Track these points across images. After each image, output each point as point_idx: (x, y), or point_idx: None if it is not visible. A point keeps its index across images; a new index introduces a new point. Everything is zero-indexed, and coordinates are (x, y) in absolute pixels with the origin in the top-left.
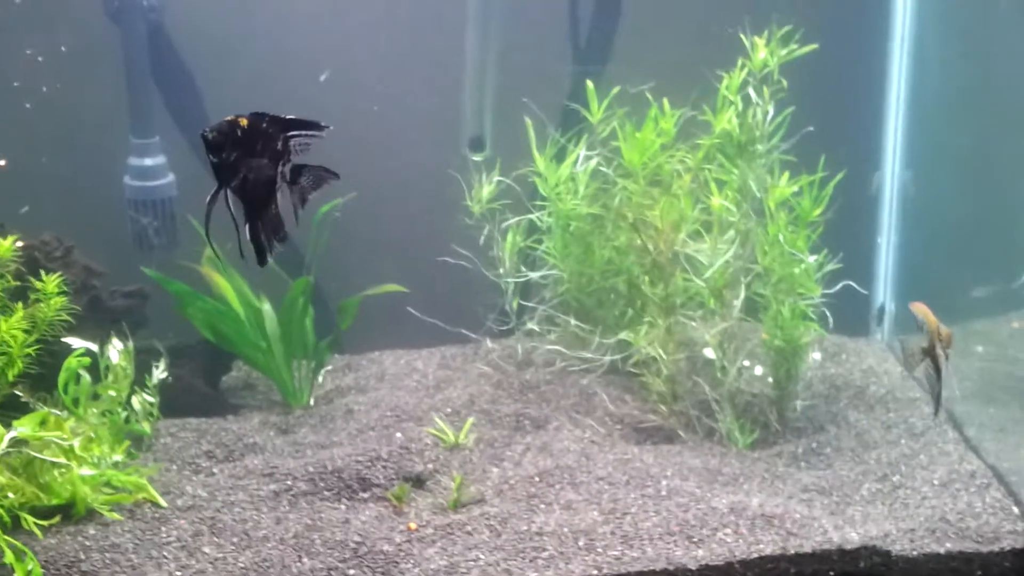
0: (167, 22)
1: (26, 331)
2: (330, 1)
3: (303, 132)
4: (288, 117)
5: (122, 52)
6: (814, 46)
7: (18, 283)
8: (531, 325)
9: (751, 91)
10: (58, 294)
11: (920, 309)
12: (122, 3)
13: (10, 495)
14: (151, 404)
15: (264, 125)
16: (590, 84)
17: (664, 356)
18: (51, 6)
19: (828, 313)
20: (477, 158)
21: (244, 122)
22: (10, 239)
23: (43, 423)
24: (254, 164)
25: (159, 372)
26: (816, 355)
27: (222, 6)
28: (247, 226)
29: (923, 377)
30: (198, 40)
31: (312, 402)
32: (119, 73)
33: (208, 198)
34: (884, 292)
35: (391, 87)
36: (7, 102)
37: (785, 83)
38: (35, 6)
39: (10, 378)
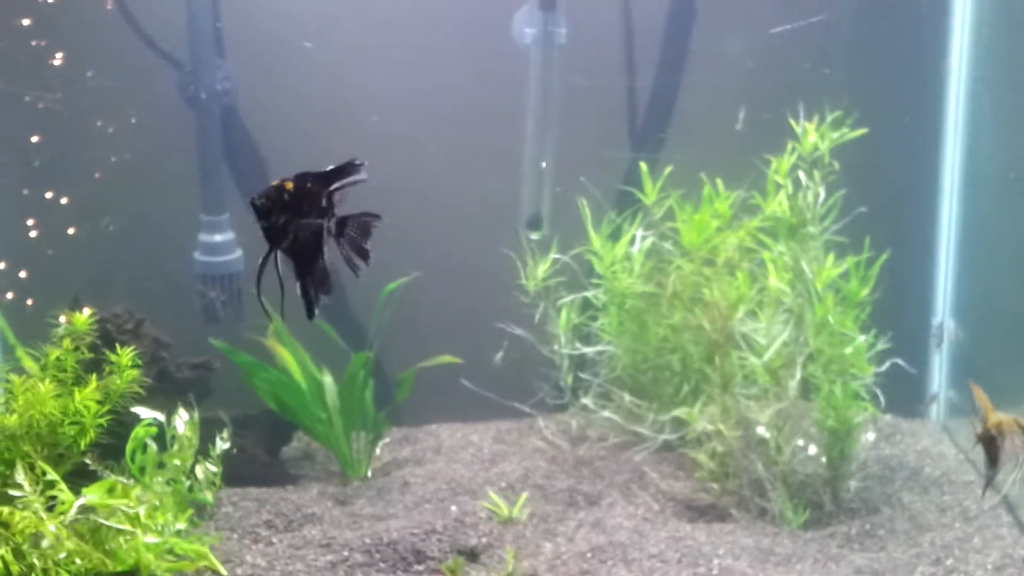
0: (239, 104)
1: (99, 402)
2: (396, 87)
3: (343, 183)
4: (327, 170)
5: (196, 133)
6: (864, 130)
7: (92, 355)
8: (585, 401)
9: (801, 174)
10: (131, 367)
11: (977, 393)
12: (197, 87)
13: (77, 561)
14: (214, 473)
15: (308, 184)
16: (643, 166)
17: (721, 433)
18: (126, 81)
19: (881, 394)
20: (535, 236)
21: (289, 185)
22: (88, 312)
23: (111, 491)
24: (301, 224)
25: (223, 442)
26: (870, 435)
27: (292, 90)
28: (298, 284)
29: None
30: (269, 121)
31: (370, 474)
32: (191, 152)
33: (260, 261)
34: (939, 373)
35: (453, 167)
36: (81, 173)
37: (836, 165)
38: (110, 80)
39: (82, 447)
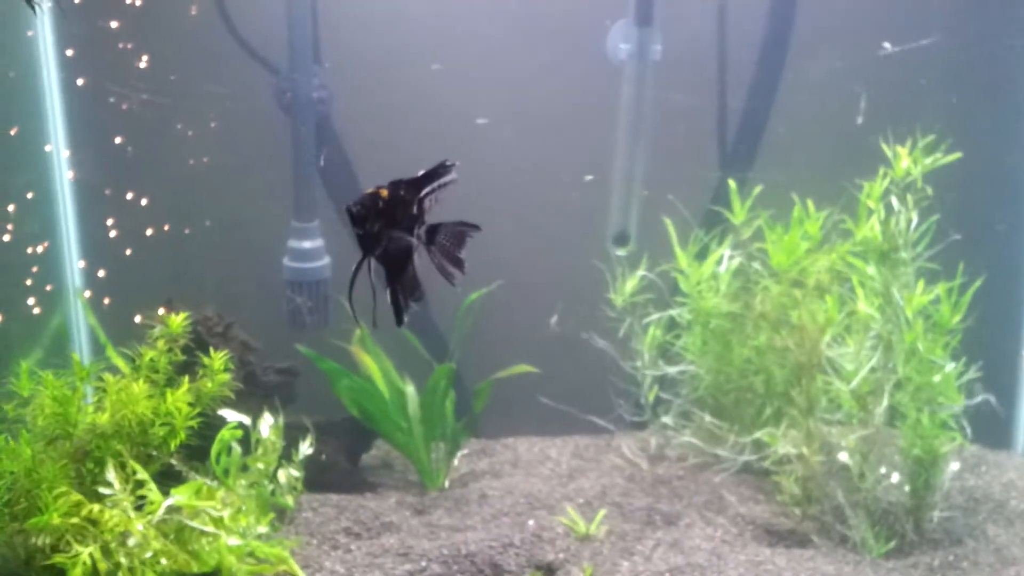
0: (334, 113)
1: (190, 404)
2: (487, 99)
3: (433, 186)
4: (419, 175)
5: (291, 140)
6: (958, 155)
7: (184, 357)
8: (666, 419)
9: (894, 199)
10: (222, 371)
11: None
12: (294, 95)
13: (163, 560)
14: (296, 478)
15: (402, 192)
16: (732, 184)
17: (803, 457)
18: (223, 83)
19: (967, 424)
20: (621, 252)
21: (384, 193)
22: (181, 315)
23: (198, 493)
24: (395, 232)
25: (306, 447)
26: (955, 466)
27: (387, 100)
28: (387, 291)
29: None
30: (362, 130)
31: (447, 484)
32: (286, 158)
33: (354, 268)
34: None
35: (542, 178)
36: (176, 174)
37: (930, 191)
38: (205, 81)
39: (172, 448)
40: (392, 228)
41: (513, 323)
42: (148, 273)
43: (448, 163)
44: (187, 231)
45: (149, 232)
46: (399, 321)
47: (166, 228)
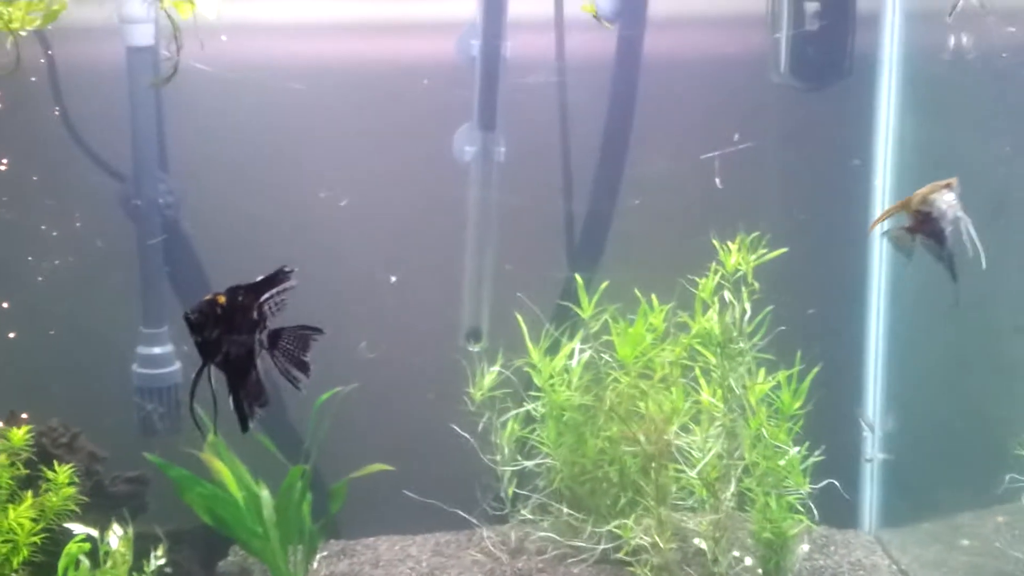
0: (182, 218)
1: (33, 519)
2: (337, 198)
3: (272, 292)
4: (257, 281)
5: (137, 246)
6: (783, 250)
7: (27, 471)
8: (525, 513)
9: (726, 293)
10: (67, 484)
11: (887, 210)
12: (139, 201)
13: None
14: None
15: (240, 297)
16: (579, 279)
17: (658, 544)
18: (68, 186)
19: (813, 506)
20: (475, 348)
21: (222, 299)
22: (24, 428)
23: None
24: (234, 338)
25: (157, 559)
26: (805, 547)
27: (235, 202)
28: (230, 397)
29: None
30: (212, 234)
31: None
32: (132, 264)
33: (193, 376)
34: (871, 484)
35: (398, 277)
36: (20, 277)
37: (756, 285)
38: (52, 186)
39: (15, 566)
40: (231, 334)
41: (373, 420)
42: (5, 379)
43: (287, 268)
44: (35, 338)
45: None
46: (244, 427)
47: (11, 335)
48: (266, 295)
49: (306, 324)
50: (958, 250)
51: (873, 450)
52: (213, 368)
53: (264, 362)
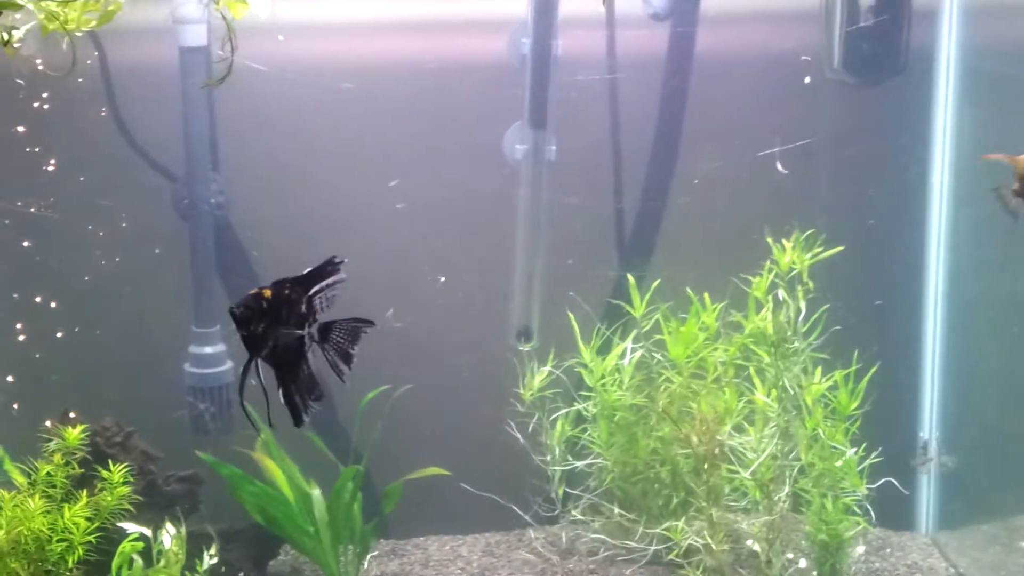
0: (232, 218)
1: (88, 519)
2: (384, 197)
3: (323, 285)
4: (306, 273)
5: (189, 246)
6: (840, 248)
7: (82, 471)
8: (576, 514)
9: (780, 292)
10: (122, 484)
11: (993, 156)
12: (191, 201)
13: None
14: None
15: (287, 291)
16: (631, 278)
17: (710, 545)
18: (119, 187)
19: (870, 507)
20: (526, 348)
21: (267, 293)
22: (79, 428)
23: None
24: (281, 331)
25: (209, 557)
26: (860, 549)
27: (285, 203)
28: (280, 391)
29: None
30: (261, 234)
31: None
32: (185, 264)
33: (242, 370)
34: (927, 486)
35: (445, 277)
36: (71, 282)
37: (811, 284)
38: (103, 185)
39: (70, 565)
40: (279, 327)
41: (423, 420)
42: (60, 380)
43: (336, 260)
44: (90, 336)
45: (59, 335)
46: (297, 422)
47: (62, 333)
48: (316, 288)
49: (357, 317)
50: None
51: (934, 452)
52: (264, 363)
53: (315, 356)
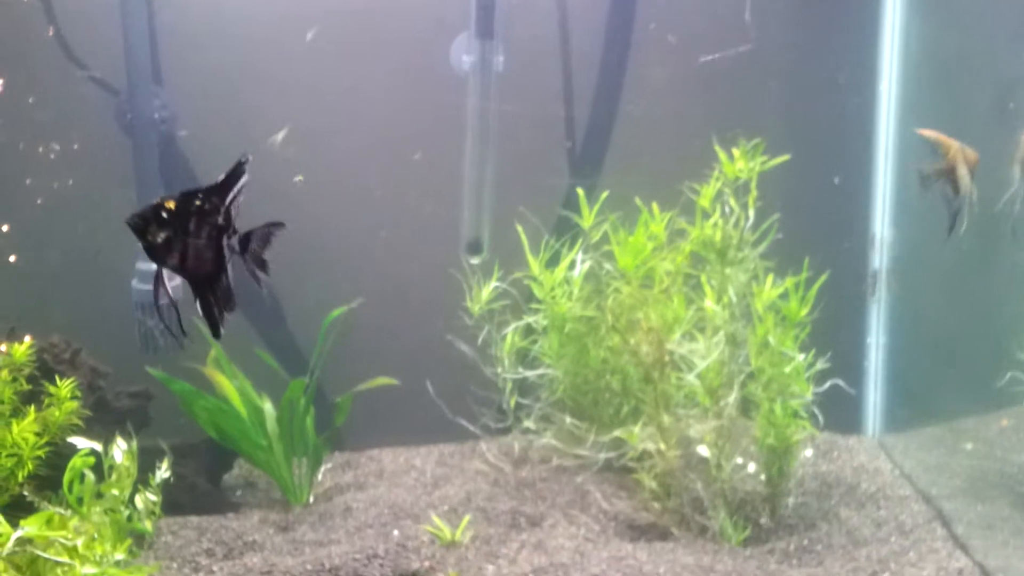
0: (177, 132)
1: (37, 434)
2: (333, 112)
3: (235, 192)
4: (217, 183)
5: (133, 160)
6: (786, 157)
7: (30, 387)
8: (527, 423)
9: (730, 200)
10: (70, 399)
11: (933, 134)
12: (135, 116)
13: None
14: (153, 503)
15: (198, 202)
16: (581, 192)
17: (661, 452)
18: (65, 107)
19: (819, 412)
20: (475, 261)
21: (171, 204)
22: (25, 344)
23: (48, 522)
24: (191, 242)
25: (162, 471)
26: (808, 452)
27: (229, 115)
28: (198, 302)
29: (940, 197)
30: (207, 149)
31: (312, 500)
32: (129, 179)
33: (152, 282)
34: (874, 390)
35: (395, 193)
36: (21, 199)
37: (755, 192)
38: (48, 106)
39: (19, 479)
40: (187, 237)
41: (374, 335)
42: (6, 299)
43: (243, 159)
44: (36, 256)
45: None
46: (215, 333)
47: (24, 254)
48: (230, 196)
49: (269, 222)
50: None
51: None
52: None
53: (235, 266)
